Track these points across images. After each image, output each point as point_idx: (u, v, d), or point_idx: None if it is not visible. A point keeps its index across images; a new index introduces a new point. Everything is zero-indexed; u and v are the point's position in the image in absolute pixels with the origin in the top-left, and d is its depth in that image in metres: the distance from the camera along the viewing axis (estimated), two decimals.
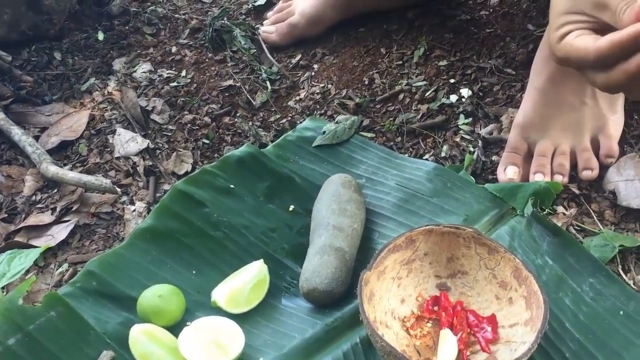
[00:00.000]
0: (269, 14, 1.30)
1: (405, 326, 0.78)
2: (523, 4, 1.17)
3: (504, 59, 1.10)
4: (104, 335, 0.79)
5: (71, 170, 1.07)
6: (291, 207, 0.94)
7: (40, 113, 1.18)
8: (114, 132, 1.12)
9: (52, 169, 1.02)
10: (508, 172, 0.93)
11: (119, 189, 1.01)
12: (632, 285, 0.80)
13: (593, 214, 0.88)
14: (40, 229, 0.99)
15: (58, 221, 0.99)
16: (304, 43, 1.24)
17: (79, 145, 1.12)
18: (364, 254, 0.87)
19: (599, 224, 0.87)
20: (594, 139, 0.94)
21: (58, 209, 1.01)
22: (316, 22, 1.23)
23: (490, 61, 1.10)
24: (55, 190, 1.05)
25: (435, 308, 0.80)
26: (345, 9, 1.23)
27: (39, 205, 1.03)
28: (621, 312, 0.76)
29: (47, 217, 1.00)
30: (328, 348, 0.79)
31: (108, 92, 1.20)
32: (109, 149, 1.11)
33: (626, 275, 0.81)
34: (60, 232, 0.97)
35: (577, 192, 0.91)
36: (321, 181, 0.94)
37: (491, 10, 1.18)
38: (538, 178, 0.91)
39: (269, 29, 1.26)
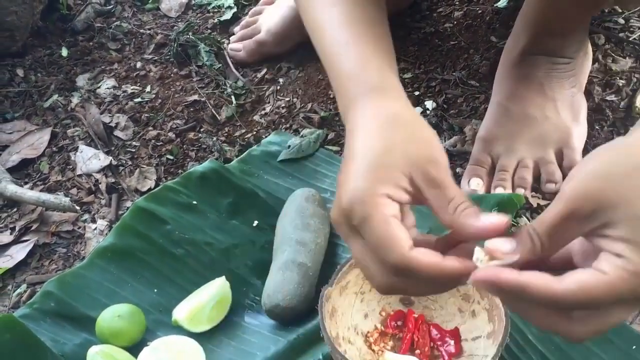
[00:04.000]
0: (236, 29, 1.29)
1: (368, 341, 0.77)
2: (486, 16, 1.18)
3: (468, 71, 1.11)
4: (62, 357, 0.78)
5: (32, 188, 1.05)
6: (255, 223, 0.93)
7: (1, 131, 1.16)
8: (76, 149, 1.11)
9: (10, 188, 1.00)
10: (472, 184, 0.93)
11: (78, 207, 0.99)
12: None
13: None
14: None
15: (17, 241, 0.97)
16: (270, 57, 1.24)
17: (40, 163, 1.10)
18: (328, 268, 0.86)
19: None
20: (558, 151, 0.94)
21: (17, 229, 0.99)
22: (283, 40, 1.22)
23: (454, 73, 1.11)
24: (15, 210, 1.03)
25: (399, 323, 0.79)
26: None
27: None
28: None
29: (5, 237, 0.98)
30: None
31: (71, 108, 1.18)
32: (71, 167, 1.09)
33: None
34: (19, 252, 0.95)
35: (540, 202, 0.91)
36: (286, 196, 0.93)
37: (455, 22, 1.19)
38: (499, 191, 0.91)
39: (236, 46, 1.24)
